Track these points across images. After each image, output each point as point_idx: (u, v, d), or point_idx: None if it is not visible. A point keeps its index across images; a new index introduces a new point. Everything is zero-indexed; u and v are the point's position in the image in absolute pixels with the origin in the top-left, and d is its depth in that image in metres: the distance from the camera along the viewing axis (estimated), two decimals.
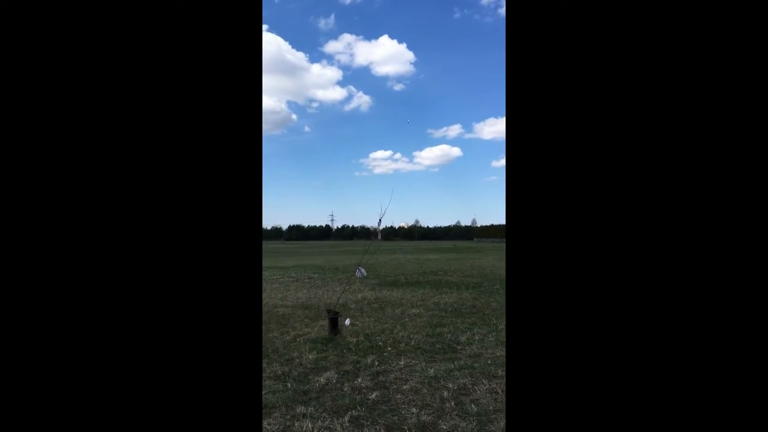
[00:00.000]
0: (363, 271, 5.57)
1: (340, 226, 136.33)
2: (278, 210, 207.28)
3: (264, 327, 5.10)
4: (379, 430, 2.45)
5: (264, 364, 3.62)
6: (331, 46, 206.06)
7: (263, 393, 2.95)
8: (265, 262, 18.43)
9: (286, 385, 3.11)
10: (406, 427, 2.47)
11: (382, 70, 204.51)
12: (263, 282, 10.05)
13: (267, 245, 62.51)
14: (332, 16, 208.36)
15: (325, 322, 4.89)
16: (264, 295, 7.87)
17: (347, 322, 5.16)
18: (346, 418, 2.56)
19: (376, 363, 3.63)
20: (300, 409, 2.69)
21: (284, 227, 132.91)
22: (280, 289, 8.81)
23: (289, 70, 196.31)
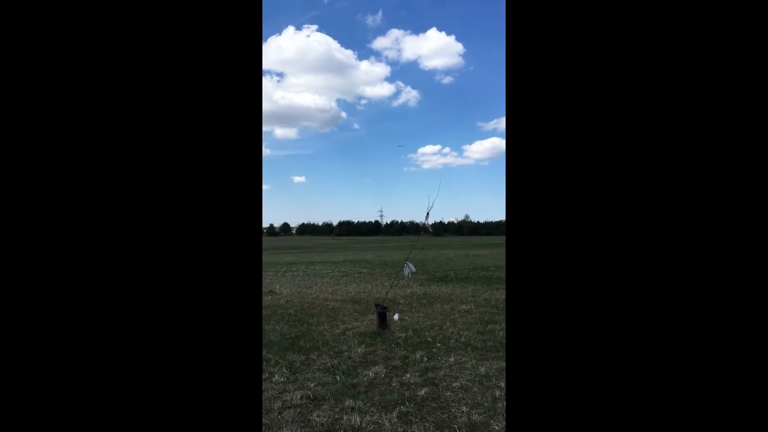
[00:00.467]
0: (411, 266, 5.49)
1: (389, 222, 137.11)
2: (329, 206, 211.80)
3: (315, 320, 5.20)
4: (429, 427, 2.39)
5: (314, 357, 3.68)
6: (379, 43, 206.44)
7: (312, 385, 2.99)
8: (316, 257, 18.90)
9: (335, 378, 3.13)
10: (456, 426, 2.39)
11: (430, 63, 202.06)
12: (314, 276, 10.29)
13: (318, 240, 64.20)
14: (380, 13, 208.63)
15: (374, 317, 4.89)
16: (315, 288, 8.05)
17: (396, 317, 5.13)
18: (395, 414, 2.52)
19: (425, 359, 3.57)
20: (348, 402, 2.69)
21: (334, 223, 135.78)
22: (331, 283, 8.96)
23: (338, 68, 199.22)
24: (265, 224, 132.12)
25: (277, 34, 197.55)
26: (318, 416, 2.51)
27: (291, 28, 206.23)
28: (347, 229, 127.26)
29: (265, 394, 2.85)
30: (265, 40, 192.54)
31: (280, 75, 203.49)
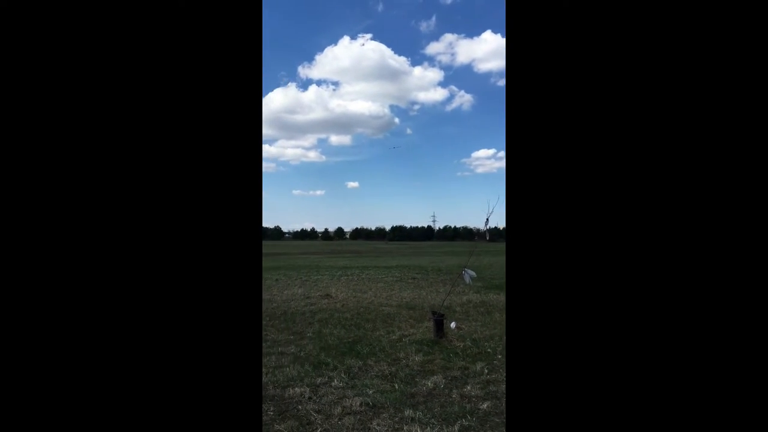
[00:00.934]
0: (471, 273, 5.35)
1: (441, 227, 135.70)
2: (381, 211, 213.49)
3: (370, 325, 5.20)
4: None
5: (371, 363, 3.67)
6: (433, 48, 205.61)
7: (371, 392, 2.97)
8: (370, 262, 19.07)
9: (394, 386, 3.09)
10: None
11: (484, 66, 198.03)
12: (368, 281, 10.36)
13: (371, 245, 64.89)
14: (433, 18, 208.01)
15: (430, 324, 4.80)
16: (369, 293, 8.09)
17: (452, 325, 5.01)
18: (457, 428, 2.44)
19: (486, 371, 3.43)
20: (408, 412, 2.63)
21: (387, 228, 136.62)
22: (385, 288, 8.97)
23: (391, 75, 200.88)
24: (320, 228, 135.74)
25: (333, 44, 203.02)
26: (378, 425, 2.48)
27: (346, 38, 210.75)
28: (399, 234, 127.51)
29: (325, 399, 2.87)
30: (322, 51, 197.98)
31: (336, 84, 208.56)
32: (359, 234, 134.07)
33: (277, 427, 2.47)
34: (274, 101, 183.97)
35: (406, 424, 2.48)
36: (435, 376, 3.29)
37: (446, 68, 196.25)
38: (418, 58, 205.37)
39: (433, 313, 4.80)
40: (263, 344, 4.32)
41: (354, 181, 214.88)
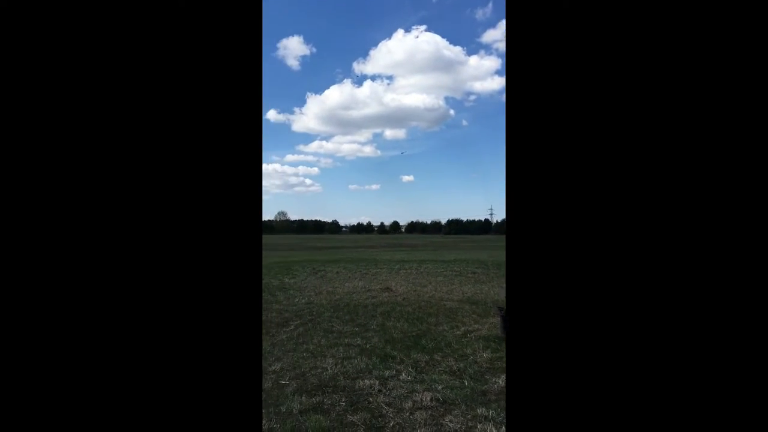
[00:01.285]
0: None
1: (499, 221, 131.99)
2: (437, 205, 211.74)
3: (433, 320, 5.17)
4: None
5: (438, 358, 3.63)
6: (489, 35, 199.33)
7: (440, 387, 2.94)
8: (427, 255, 18.98)
9: (463, 383, 3.04)
10: None
11: None
12: (427, 275, 10.31)
13: (427, 239, 64.67)
14: (489, 5, 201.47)
15: (495, 320, 4.68)
16: (429, 287, 8.05)
17: None
18: None
19: None
20: (480, 410, 2.57)
21: (443, 221, 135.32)
22: (445, 282, 8.88)
23: (446, 66, 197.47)
24: (376, 222, 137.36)
25: (387, 38, 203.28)
26: (450, 422, 2.45)
27: (400, 31, 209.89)
28: (456, 227, 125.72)
29: (394, 392, 2.88)
30: (376, 46, 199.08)
31: (390, 78, 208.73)
32: (415, 228, 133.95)
33: (350, 417, 2.52)
34: (330, 98, 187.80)
35: (479, 423, 2.42)
36: (506, 375, 3.19)
37: (504, 55, 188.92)
38: (474, 47, 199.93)
39: (500, 309, 4.66)
40: (329, 335, 4.44)
41: (409, 174, 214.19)
